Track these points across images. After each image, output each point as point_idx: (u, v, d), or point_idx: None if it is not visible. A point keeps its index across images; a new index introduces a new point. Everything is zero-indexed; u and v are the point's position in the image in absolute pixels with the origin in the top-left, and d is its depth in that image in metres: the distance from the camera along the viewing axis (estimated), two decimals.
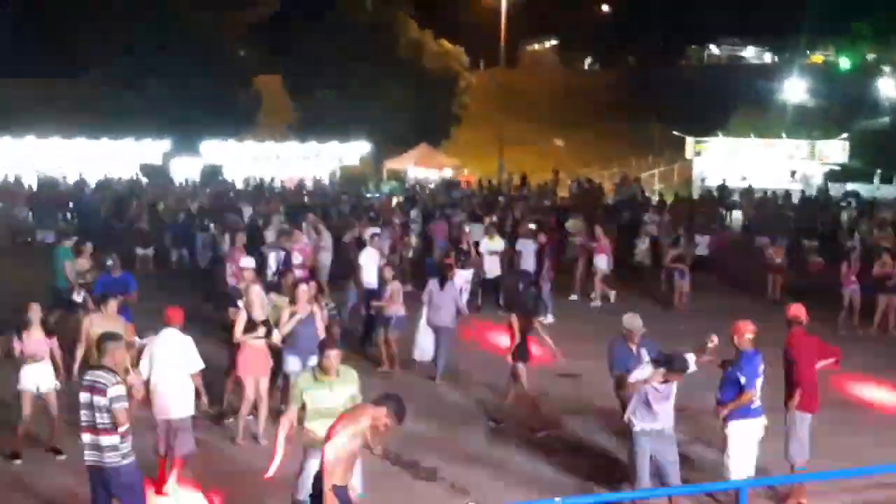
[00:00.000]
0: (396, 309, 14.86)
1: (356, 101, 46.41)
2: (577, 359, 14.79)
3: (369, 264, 16.71)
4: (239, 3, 50.46)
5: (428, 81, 49.82)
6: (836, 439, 11.06)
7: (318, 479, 7.60)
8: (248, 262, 14.18)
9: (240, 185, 36.82)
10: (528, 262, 19.47)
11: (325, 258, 19.62)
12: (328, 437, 7.45)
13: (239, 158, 43.78)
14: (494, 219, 23.47)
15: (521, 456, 11.28)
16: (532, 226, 21.62)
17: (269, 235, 19.81)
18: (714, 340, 9.77)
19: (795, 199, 36.38)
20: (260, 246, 18.38)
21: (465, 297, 17.72)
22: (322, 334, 11.70)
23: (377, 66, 47.16)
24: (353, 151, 47.27)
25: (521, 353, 12.39)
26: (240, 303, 12.13)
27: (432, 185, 40.39)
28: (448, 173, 44.85)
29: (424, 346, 14.99)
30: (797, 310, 10.40)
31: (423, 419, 11.80)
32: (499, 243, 20.17)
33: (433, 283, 14.80)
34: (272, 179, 38.93)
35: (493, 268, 19.82)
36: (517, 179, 42.60)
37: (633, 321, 10.69)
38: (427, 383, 14.31)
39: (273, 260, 17.31)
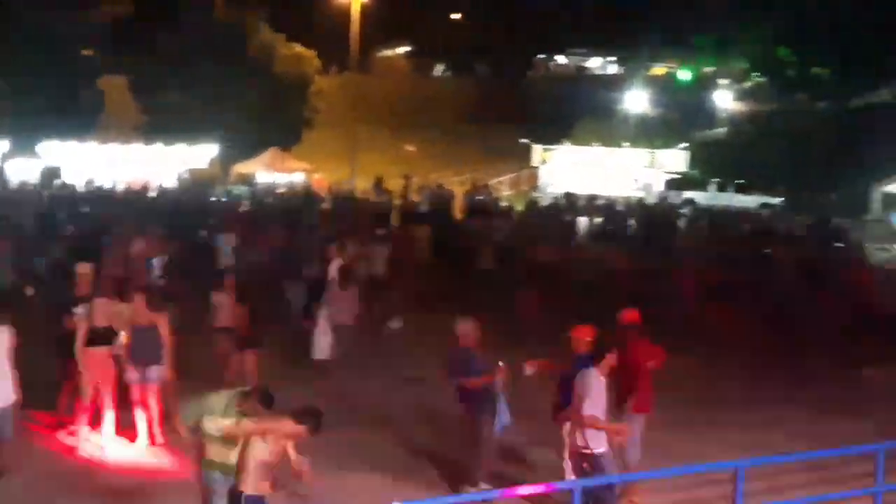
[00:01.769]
0: None
1: (205, 104, 45.52)
2: (423, 365, 14.99)
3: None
4: (85, 3, 48.78)
5: (279, 85, 49.28)
6: (666, 438, 11.47)
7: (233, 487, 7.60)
8: (84, 267, 13.70)
9: (81, 188, 35.58)
10: (378, 267, 19.57)
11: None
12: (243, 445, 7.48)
13: (80, 160, 42.30)
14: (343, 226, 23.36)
15: (358, 459, 11.27)
16: (381, 231, 21.68)
17: (109, 240, 19.22)
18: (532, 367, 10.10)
19: (636, 207, 37.57)
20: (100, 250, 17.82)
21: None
22: (167, 341, 11.47)
23: (226, 69, 46.37)
24: (202, 154, 46.31)
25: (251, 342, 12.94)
26: (78, 310, 11.77)
27: (282, 190, 40.05)
28: (299, 177, 44.48)
29: (322, 345, 15.30)
30: (631, 314, 10.74)
31: None
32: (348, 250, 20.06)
33: (333, 284, 15.51)
34: (114, 183, 37.81)
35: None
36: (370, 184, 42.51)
37: (465, 326, 10.78)
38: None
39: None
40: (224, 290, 13.84)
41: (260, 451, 7.54)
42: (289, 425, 7.61)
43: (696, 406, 13.94)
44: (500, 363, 10.36)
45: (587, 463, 9.19)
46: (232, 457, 7.89)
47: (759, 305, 20.39)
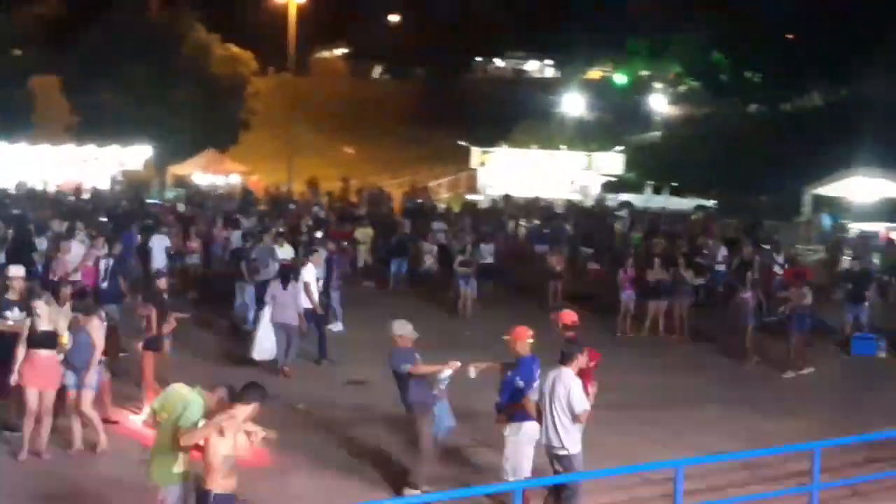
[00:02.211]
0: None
1: (138, 105, 44.87)
2: (365, 367, 14.95)
3: None
4: (17, 2, 47.83)
5: (215, 86, 48.76)
6: (607, 438, 11.58)
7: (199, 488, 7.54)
8: (17, 270, 13.43)
9: (11, 190, 34.85)
10: (319, 272, 19.38)
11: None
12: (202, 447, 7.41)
13: (10, 161, 41.39)
14: (282, 228, 23.16)
15: (301, 461, 11.20)
16: (319, 234, 21.61)
17: (42, 243, 18.86)
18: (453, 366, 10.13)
19: (574, 209, 37.85)
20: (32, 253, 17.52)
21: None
22: (99, 346, 11.30)
23: (161, 69, 45.78)
24: (136, 156, 45.61)
25: (152, 343, 13.07)
26: (8, 314, 11.54)
27: (221, 191, 39.68)
28: (235, 179, 44.08)
29: (265, 345, 15.30)
30: (570, 316, 10.83)
31: None
32: (288, 251, 19.98)
33: (276, 284, 15.52)
34: (46, 184, 37.11)
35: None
36: (308, 186, 42.39)
37: (403, 328, 10.78)
38: None
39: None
40: (152, 293, 13.90)
41: (223, 446, 7.47)
42: (241, 411, 7.56)
43: (635, 406, 14.07)
44: (457, 362, 10.35)
45: (560, 463, 9.34)
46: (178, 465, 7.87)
47: (694, 306, 20.69)
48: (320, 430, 12.28)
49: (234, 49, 51.45)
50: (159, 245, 20.86)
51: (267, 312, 15.45)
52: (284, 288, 15.54)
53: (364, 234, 25.74)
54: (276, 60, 58.96)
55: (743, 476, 10.84)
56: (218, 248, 23.20)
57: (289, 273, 15.96)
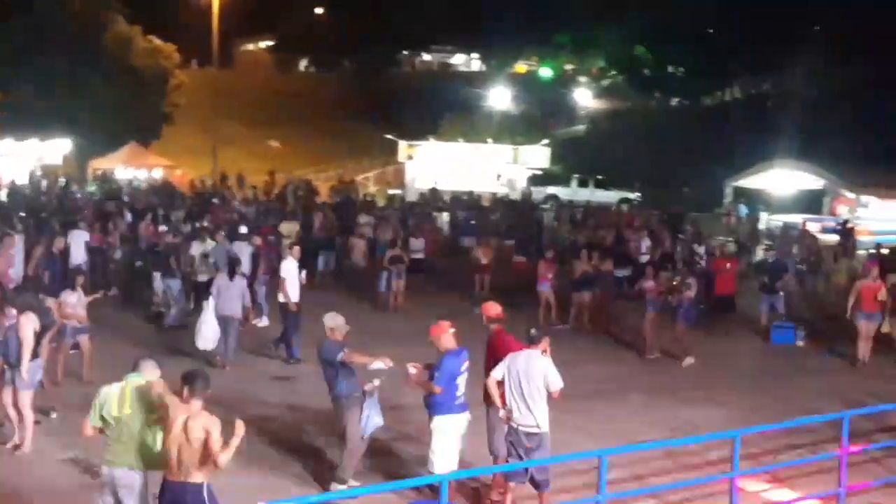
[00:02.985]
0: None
1: (58, 97, 43.89)
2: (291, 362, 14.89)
3: None
4: None
5: (137, 79, 47.93)
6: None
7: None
8: None
9: None
10: (244, 266, 19.27)
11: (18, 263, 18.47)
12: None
13: None
14: (206, 222, 22.93)
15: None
16: (244, 229, 21.43)
17: None
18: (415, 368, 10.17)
19: (501, 202, 38.05)
20: None
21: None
22: (28, 343, 11.05)
23: (82, 62, 44.83)
24: (55, 150, 44.66)
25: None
26: None
27: (144, 185, 39.07)
28: (158, 174, 43.43)
29: (207, 335, 15.42)
30: (493, 308, 10.88)
31: None
32: (210, 244, 19.79)
33: (222, 276, 15.91)
34: None
35: (204, 271, 19.38)
36: (233, 181, 42.00)
37: (335, 320, 10.75)
38: None
39: None
40: (76, 287, 14.00)
41: (174, 438, 7.42)
42: (195, 401, 7.54)
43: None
44: (387, 359, 10.36)
45: (531, 441, 9.56)
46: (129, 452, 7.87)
47: (619, 297, 20.98)
48: (246, 426, 12.14)
49: (157, 41, 50.60)
50: (78, 240, 20.48)
51: (212, 304, 15.60)
52: (231, 280, 15.77)
53: (289, 228, 25.53)
54: (200, 53, 58.27)
55: (666, 464, 11.02)
56: (141, 244, 22.82)
57: (237, 266, 16.30)
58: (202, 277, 19.16)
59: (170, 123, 51.16)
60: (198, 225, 22.22)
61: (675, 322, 17.28)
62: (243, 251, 19.69)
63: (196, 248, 19.55)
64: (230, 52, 70.99)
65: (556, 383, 9.61)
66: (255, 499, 7.85)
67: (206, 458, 7.46)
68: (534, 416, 9.60)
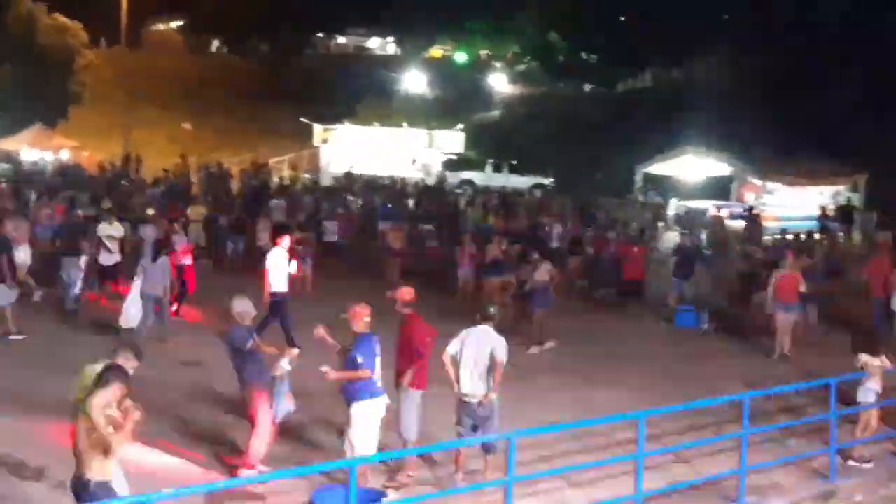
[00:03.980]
0: None
1: None
2: (199, 347, 14.72)
3: None
4: None
5: (42, 58, 46.64)
6: (441, 414, 11.73)
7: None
8: None
9: None
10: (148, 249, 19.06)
11: None
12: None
13: None
14: (109, 204, 22.45)
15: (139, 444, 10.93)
16: (150, 210, 21.16)
17: None
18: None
19: (416, 187, 38.07)
20: None
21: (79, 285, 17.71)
22: None
23: None
24: None
25: None
26: None
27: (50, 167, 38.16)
28: (65, 155, 42.39)
29: (132, 314, 15.81)
30: (407, 293, 10.91)
31: None
32: (116, 226, 19.53)
33: (147, 258, 16.42)
34: None
35: (109, 254, 19.10)
36: (135, 162, 41.17)
37: (242, 305, 10.69)
38: None
39: None
40: None
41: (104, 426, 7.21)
42: (118, 387, 7.35)
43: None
44: (295, 350, 10.34)
45: (482, 409, 10.35)
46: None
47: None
48: (153, 412, 11.95)
49: (63, 19, 49.29)
50: None
51: (137, 283, 16.01)
52: (154, 261, 16.20)
53: (196, 211, 25.19)
54: (109, 32, 57.00)
55: (573, 446, 11.20)
56: (48, 228, 22.24)
57: (161, 248, 16.70)
58: (107, 260, 18.86)
59: (78, 104, 49.92)
60: (103, 207, 21.76)
61: (532, 309, 17.31)
62: (148, 234, 19.46)
63: (102, 230, 19.22)
64: (139, 32, 69.51)
65: (503, 355, 10.37)
66: (163, 485, 7.78)
67: (97, 445, 7.29)
68: (484, 384, 10.34)
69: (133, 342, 8.53)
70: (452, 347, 10.54)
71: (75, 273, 17.64)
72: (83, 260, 17.96)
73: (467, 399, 10.41)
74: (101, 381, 7.42)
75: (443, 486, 10.09)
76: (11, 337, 15.33)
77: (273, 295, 15.47)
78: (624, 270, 21.55)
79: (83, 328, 16.58)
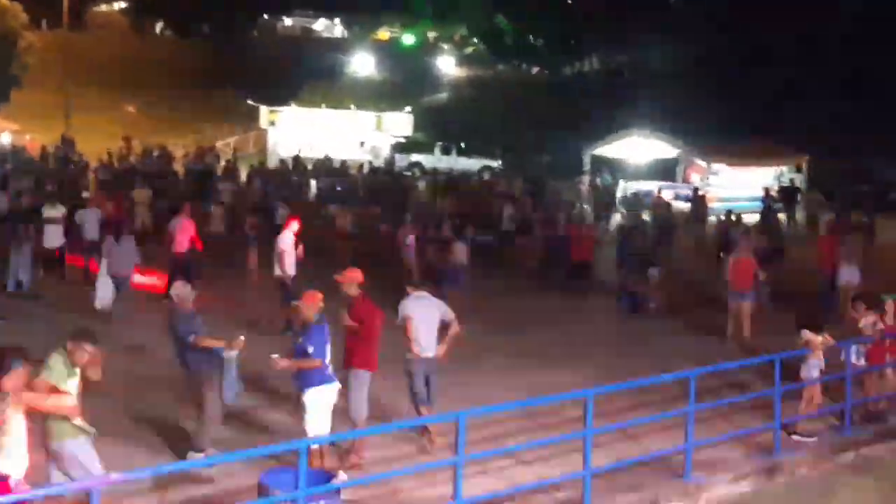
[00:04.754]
0: None
1: None
2: (142, 330, 14.56)
3: None
4: None
5: None
6: (392, 395, 11.74)
7: None
8: None
9: None
10: (92, 232, 18.96)
11: None
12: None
13: None
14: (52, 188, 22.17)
15: None
16: (85, 194, 21.05)
17: None
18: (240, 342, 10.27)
19: (365, 170, 37.91)
20: None
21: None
22: None
23: None
24: None
25: None
26: None
27: None
28: (6, 139, 41.62)
29: (104, 294, 16.52)
30: (355, 274, 10.88)
31: None
32: (60, 210, 19.31)
33: (110, 240, 17.08)
34: None
35: (53, 237, 18.85)
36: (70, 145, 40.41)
37: (182, 290, 10.64)
38: None
39: None
40: None
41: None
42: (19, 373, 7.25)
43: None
44: (241, 338, 10.25)
45: (435, 364, 11.20)
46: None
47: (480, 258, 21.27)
48: (96, 397, 11.80)
49: (2, 1, 48.33)
50: None
51: (104, 264, 16.68)
52: (117, 242, 16.87)
53: (142, 195, 24.87)
54: (50, 14, 55.98)
55: (522, 425, 11.26)
56: None
57: (122, 229, 17.55)
58: (52, 243, 18.62)
59: (18, 87, 49.02)
60: (48, 189, 21.47)
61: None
62: (88, 218, 19.33)
63: (47, 212, 18.99)
64: (81, 14, 68.33)
65: (451, 313, 11.30)
66: (110, 469, 7.70)
67: None
68: (436, 344, 11.13)
69: (86, 329, 8.39)
70: (409, 310, 11.10)
71: (23, 261, 17.43)
72: (28, 248, 17.72)
73: (427, 354, 11.05)
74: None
75: (393, 468, 10.09)
76: None
77: (281, 278, 15.76)
78: (573, 252, 21.61)
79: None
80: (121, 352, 14.11)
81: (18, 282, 17.76)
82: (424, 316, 11.11)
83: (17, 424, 7.28)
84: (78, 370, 8.24)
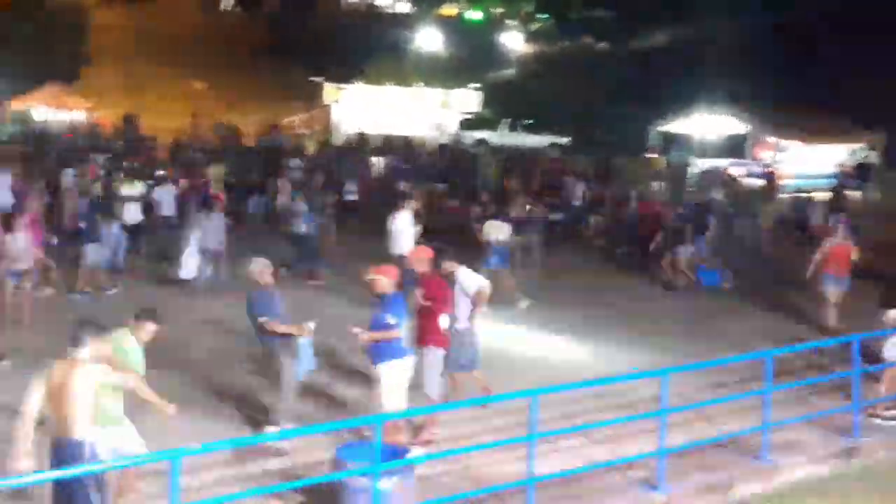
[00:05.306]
0: None
1: None
2: (221, 305, 14.73)
3: None
4: None
5: (54, 18, 46.50)
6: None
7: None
8: None
9: None
10: (168, 209, 19.30)
11: None
12: None
13: None
14: (136, 164, 22.57)
15: None
16: (161, 172, 21.34)
17: None
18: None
19: (431, 147, 37.90)
20: None
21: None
22: None
23: None
24: None
25: None
26: None
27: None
28: (80, 116, 42.34)
29: (190, 266, 17.11)
30: (425, 251, 10.90)
31: None
32: (138, 188, 19.63)
33: (202, 215, 17.73)
34: None
35: (133, 215, 19.15)
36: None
37: (256, 265, 10.67)
38: None
39: None
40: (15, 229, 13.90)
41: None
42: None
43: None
44: (311, 325, 10.31)
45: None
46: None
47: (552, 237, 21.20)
48: (175, 372, 12.03)
49: None
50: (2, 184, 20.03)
51: (195, 238, 17.15)
52: (208, 217, 17.44)
53: (217, 171, 25.17)
54: None
55: (596, 404, 11.20)
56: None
57: (213, 204, 17.94)
58: (132, 220, 18.91)
59: (89, 64, 49.84)
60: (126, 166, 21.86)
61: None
62: (164, 195, 19.66)
63: (125, 190, 19.31)
64: None
65: (476, 285, 11.27)
66: (188, 442, 7.82)
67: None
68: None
69: (150, 308, 8.70)
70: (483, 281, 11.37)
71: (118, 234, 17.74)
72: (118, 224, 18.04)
73: (467, 327, 11.18)
74: None
75: (463, 444, 10.11)
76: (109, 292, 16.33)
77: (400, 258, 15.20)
78: (645, 229, 21.34)
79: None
80: (201, 325, 14.39)
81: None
82: (459, 290, 11.24)
83: (106, 393, 7.50)
84: (142, 348, 8.44)
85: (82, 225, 17.22)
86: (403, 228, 16.16)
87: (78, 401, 7.20)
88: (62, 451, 7.20)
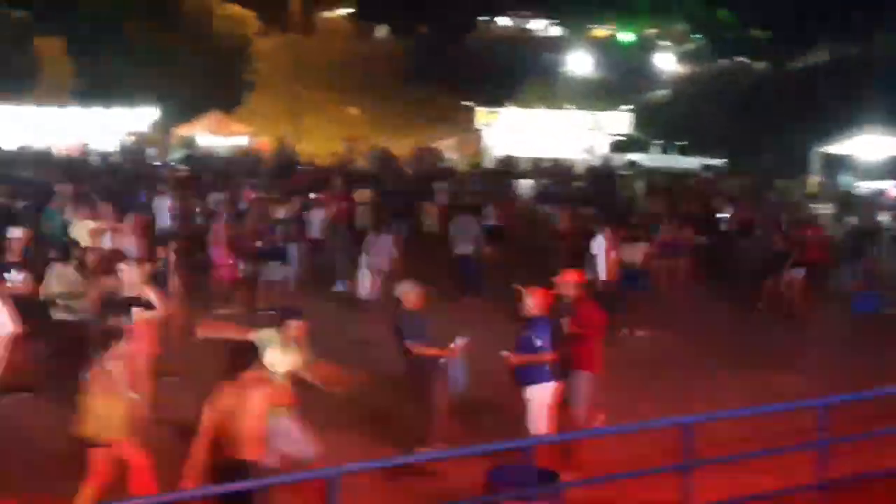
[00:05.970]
0: None
1: (141, 66, 44.68)
2: (371, 325, 14.94)
3: None
4: None
5: (218, 46, 48.55)
6: (612, 398, 11.61)
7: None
8: (16, 231, 13.48)
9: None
10: (316, 231, 20.20)
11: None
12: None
13: (15, 125, 41.31)
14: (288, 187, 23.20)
15: (325, 420, 11.24)
16: (312, 195, 21.90)
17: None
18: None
19: (580, 169, 37.75)
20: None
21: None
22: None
23: (162, 30, 45.52)
24: (141, 118, 45.55)
25: None
26: (10, 275, 11.79)
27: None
28: (241, 141, 44.02)
29: (365, 285, 17.72)
30: (575, 274, 10.85)
31: None
32: (291, 210, 20.31)
33: (372, 235, 18.32)
34: (50, 147, 37.00)
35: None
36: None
37: (402, 288, 10.90)
38: None
39: None
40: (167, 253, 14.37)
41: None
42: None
43: (641, 363, 14.15)
44: (454, 345, 10.40)
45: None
46: None
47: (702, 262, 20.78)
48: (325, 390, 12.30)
49: (236, 8, 51.19)
50: (161, 206, 20.95)
51: (364, 258, 17.82)
52: (377, 237, 18.06)
53: (362, 195, 25.58)
54: (280, 20, 58.75)
55: (750, 430, 10.89)
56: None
57: (382, 225, 18.74)
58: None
59: (250, 91, 51.75)
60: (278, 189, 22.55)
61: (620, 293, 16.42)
62: (313, 217, 20.21)
63: (276, 213, 19.92)
64: (310, 19, 71.25)
65: None
66: (338, 461, 7.96)
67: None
68: None
69: (293, 307, 9.91)
70: None
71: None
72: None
73: None
74: None
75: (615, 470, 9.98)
76: None
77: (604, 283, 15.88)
78: (802, 253, 20.63)
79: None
80: (348, 346, 14.67)
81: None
82: None
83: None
84: (291, 347, 9.02)
85: (259, 244, 17.89)
86: (599, 252, 16.32)
87: (249, 422, 7.45)
88: (231, 472, 7.40)
